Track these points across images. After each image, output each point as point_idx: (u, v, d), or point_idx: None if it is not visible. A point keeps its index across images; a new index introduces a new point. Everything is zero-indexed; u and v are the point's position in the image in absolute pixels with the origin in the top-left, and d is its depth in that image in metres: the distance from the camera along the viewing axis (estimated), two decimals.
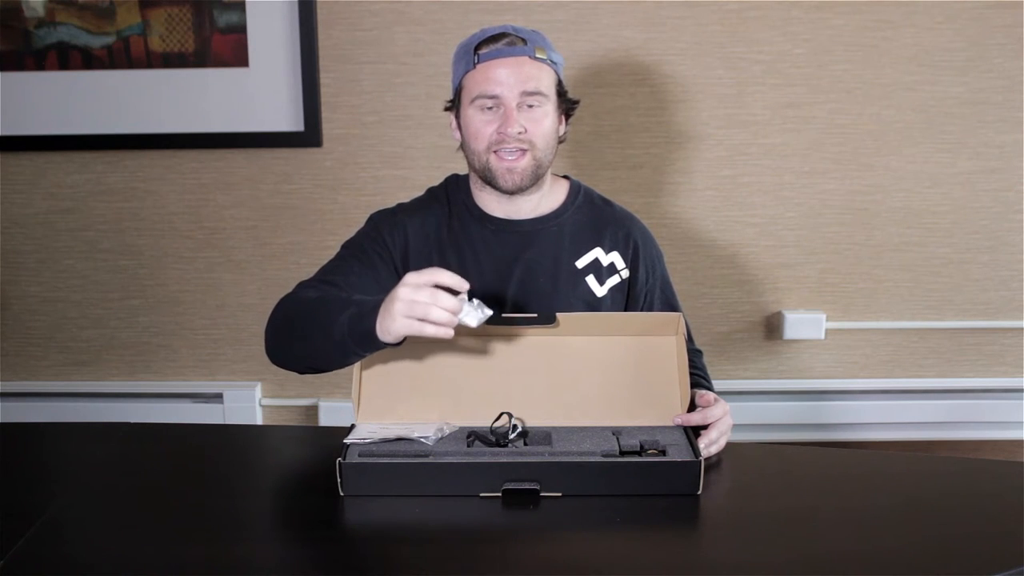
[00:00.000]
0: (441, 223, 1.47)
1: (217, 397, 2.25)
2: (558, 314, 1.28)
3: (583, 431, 1.25)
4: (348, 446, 1.20)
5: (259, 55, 2.07)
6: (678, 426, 1.27)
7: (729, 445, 1.29)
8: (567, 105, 1.45)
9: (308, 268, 1.45)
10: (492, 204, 1.46)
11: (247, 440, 1.47)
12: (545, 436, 1.23)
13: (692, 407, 1.29)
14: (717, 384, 1.50)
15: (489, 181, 1.41)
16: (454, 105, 1.44)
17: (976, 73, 2.09)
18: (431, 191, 1.53)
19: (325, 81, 2.10)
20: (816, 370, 2.26)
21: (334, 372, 1.37)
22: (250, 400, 2.24)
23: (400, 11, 2.06)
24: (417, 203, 1.51)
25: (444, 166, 1.74)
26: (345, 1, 2.06)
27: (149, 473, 1.28)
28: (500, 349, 1.29)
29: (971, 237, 2.19)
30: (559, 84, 1.42)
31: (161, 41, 2.07)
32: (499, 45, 1.37)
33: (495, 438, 1.21)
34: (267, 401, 2.27)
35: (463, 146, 1.45)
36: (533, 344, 1.29)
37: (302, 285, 1.39)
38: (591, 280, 1.47)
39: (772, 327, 2.24)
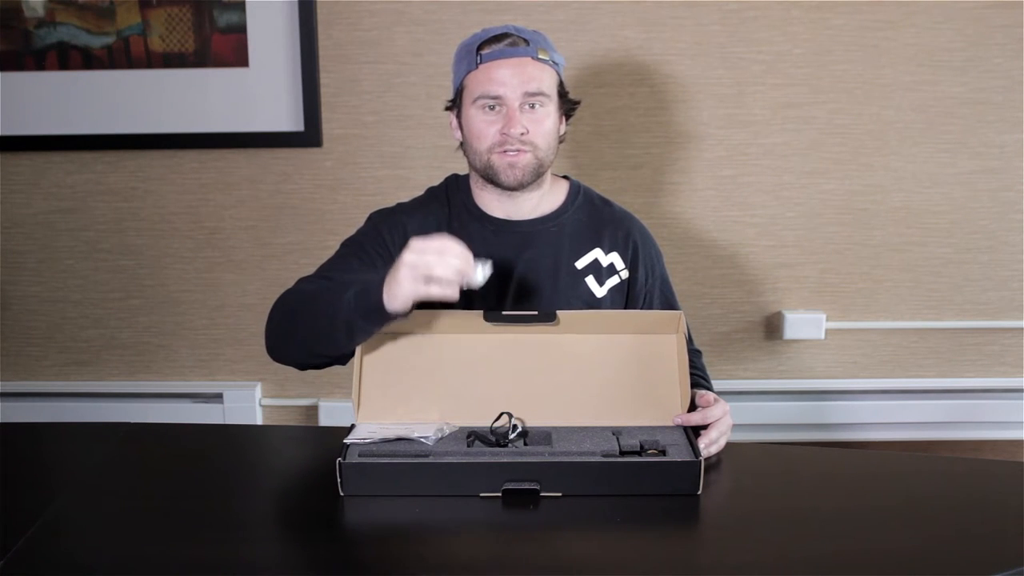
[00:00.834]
0: (441, 223, 1.47)
1: (217, 397, 2.25)
2: (558, 312, 1.28)
3: (583, 431, 1.25)
4: (348, 446, 1.20)
5: (259, 55, 2.07)
6: (678, 426, 1.27)
7: (729, 445, 1.29)
8: (568, 106, 1.45)
9: (308, 268, 1.45)
10: (492, 204, 1.46)
11: (247, 440, 1.47)
12: (545, 436, 1.23)
13: (692, 407, 1.29)
14: (717, 384, 1.50)
15: (491, 179, 1.41)
16: (455, 105, 1.45)
17: (976, 73, 2.09)
18: (431, 191, 1.53)
19: (325, 81, 2.10)
20: (816, 370, 2.26)
21: (334, 372, 1.37)
22: (250, 400, 2.24)
23: (400, 11, 2.06)
24: (417, 203, 1.52)
25: (444, 166, 1.74)
26: (345, 1, 2.06)
27: (149, 473, 1.28)
28: (500, 349, 1.29)
29: (971, 237, 2.19)
30: (560, 85, 1.42)
31: (161, 41, 2.07)
32: (501, 45, 1.37)
33: (495, 438, 1.21)
34: (267, 401, 2.27)
35: (464, 146, 1.45)
36: (533, 344, 1.29)
37: (303, 281, 1.40)
38: (591, 281, 1.47)
39: (772, 327, 2.24)
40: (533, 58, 1.37)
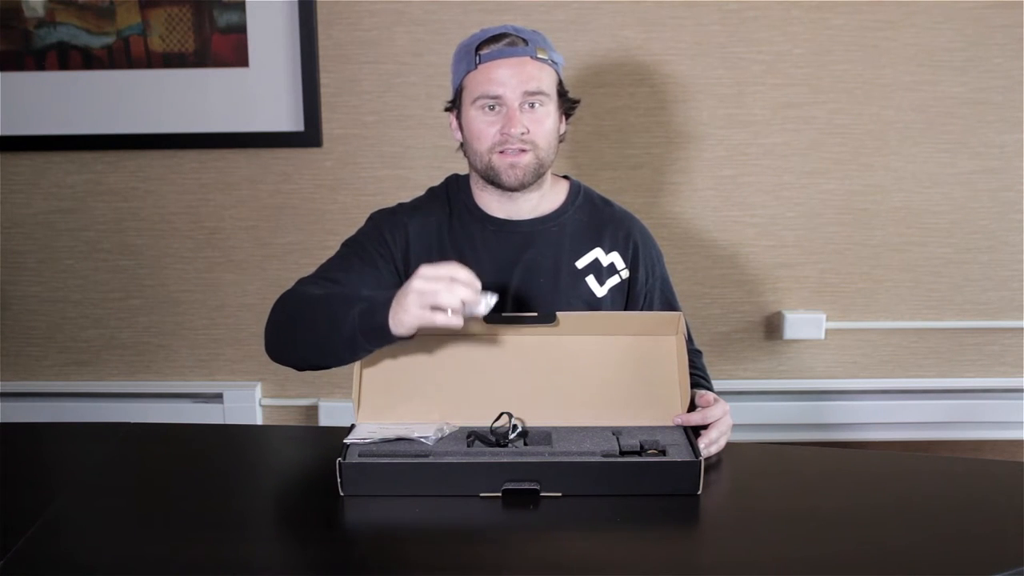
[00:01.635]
0: (442, 223, 1.47)
1: (217, 397, 2.25)
2: (558, 313, 1.28)
3: (583, 431, 1.25)
4: (348, 446, 1.20)
5: (259, 55, 2.07)
6: (678, 426, 1.27)
7: (729, 445, 1.29)
8: (568, 105, 1.45)
9: (308, 268, 1.45)
10: (493, 204, 1.46)
11: (247, 440, 1.47)
12: (545, 436, 1.23)
13: (692, 407, 1.29)
14: (717, 384, 1.50)
15: (492, 179, 1.41)
16: (455, 105, 1.44)
17: (976, 73, 2.09)
18: (432, 191, 1.53)
19: (325, 81, 2.10)
20: (816, 370, 2.26)
21: (334, 372, 1.37)
22: (250, 400, 2.24)
23: (400, 11, 2.06)
24: (418, 203, 1.52)
25: (444, 166, 1.74)
26: (345, 1, 2.06)
27: (149, 473, 1.28)
28: (500, 349, 1.29)
29: (971, 237, 2.19)
30: (560, 84, 1.42)
31: (161, 41, 2.07)
32: (500, 45, 1.37)
33: (495, 438, 1.21)
34: (267, 401, 2.27)
35: (464, 146, 1.45)
36: (533, 344, 1.29)
37: (303, 281, 1.39)
38: (591, 280, 1.47)
39: (772, 327, 2.24)
40: (532, 57, 1.37)
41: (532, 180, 1.41)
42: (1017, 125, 2.11)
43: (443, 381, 1.28)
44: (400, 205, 1.51)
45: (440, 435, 1.23)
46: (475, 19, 2.04)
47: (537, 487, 1.14)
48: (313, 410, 2.29)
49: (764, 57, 2.08)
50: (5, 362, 2.26)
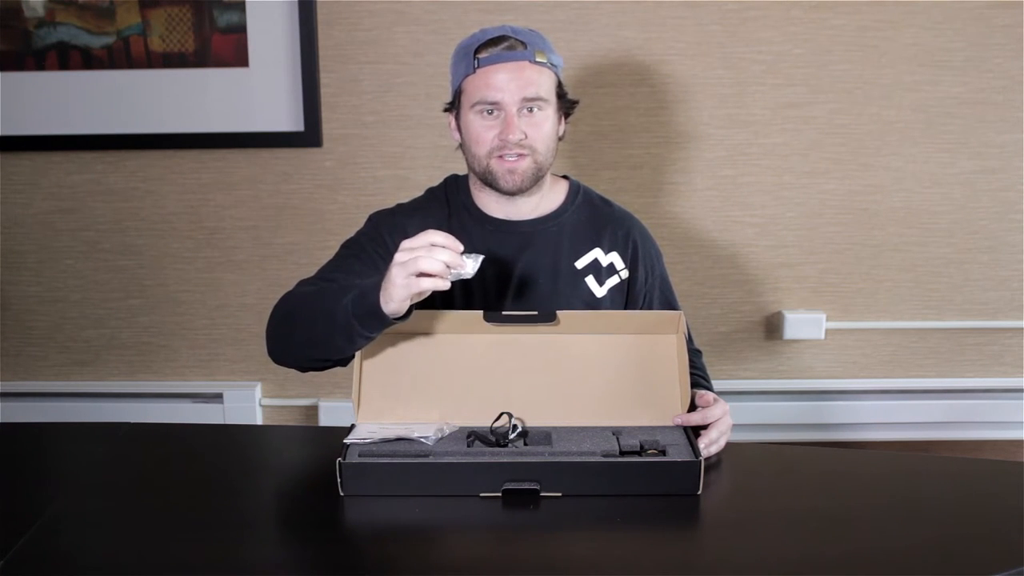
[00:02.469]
0: (440, 224, 1.47)
1: (217, 397, 2.25)
2: (558, 312, 1.28)
3: (583, 431, 1.25)
4: (348, 446, 1.20)
5: (259, 55, 2.07)
6: (678, 426, 1.27)
7: (729, 445, 1.29)
8: (567, 106, 1.45)
9: (308, 268, 1.45)
10: (492, 205, 1.46)
11: (247, 440, 1.47)
12: (545, 436, 1.23)
13: (692, 407, 1.29)
14: (717, 384, 1.50)
15: (490, 183, 1.41)
16: (453, 106, 1.44)
17: (976, 73, 2.09)
18: (430, 191, 1.53)
19: (325, 81, 2.10)
20: (816, 370, 2.26)
21: (334, 372, 1.37)
22: (250, 400, 2.24)
23: (400, 11, 2.06)
24: (416, 204, 1.51)
25: (444, 166, 1.74)
26: (345, 1, 2.06)
27: (149, 473, 1.28)
28: (500, 349, 1.29)
29: (971, 237, 2.19)
30: (559, 86, 1.42)
31: (161, 41, 2.07)
32: (499, 49, 1.36)
33: (495, 438, 1.21)
34: (267, 401, 2.27)
35: (463, 147, 1.45)
36: (533, 344, 1.29)
37: (303, 283, 1.39)
38: (590, 281, 1.47)
39: (772, 327, 2.24)
40: (531, 61, 1.36)
41: (530, 184, 1.41)
42: (1017, 125, 2.12)
43: (443, 381, 1.28)
44: (399, 206, 1.51)
45: (440, 435, 1.22)
46: (475, 19, 2.04)
47: (537, 487, 1.14)
48: (313, 410, 2.29)
49: (764, 57, 2.08)
50: (5, 362, 2.26)
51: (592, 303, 1.46)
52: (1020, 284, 2.21)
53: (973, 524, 1.11)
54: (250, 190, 2.16)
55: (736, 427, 1.32)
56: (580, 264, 1.47)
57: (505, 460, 1.16)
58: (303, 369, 1.37)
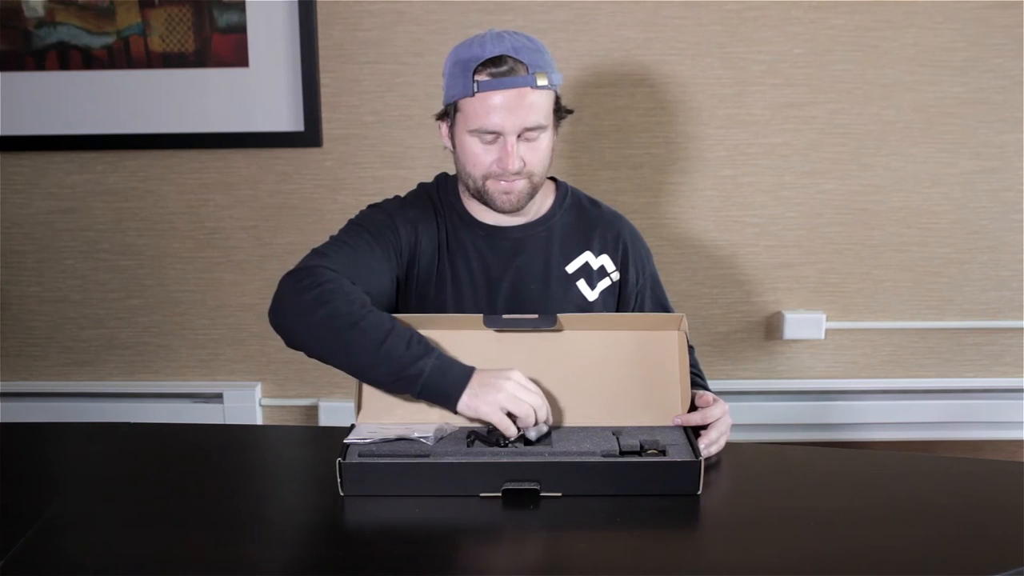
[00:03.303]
0: (440, 228, 1.46)
1: (217, 397, 2.25)
2: (559, 315, 1.28)
3: (583, 431, 1.25)
4: (348, 446, 1.20)
5: (259, 55, 2.07)
6: (678, 426, 1.27)
7: (729, 445, 1.29)
8: (563, 115, 1.42)
9: None
10: (481, 211, 1.45)
11: (247, 440, 1.47)
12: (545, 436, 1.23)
13: (692, 407, 1.29)
14: (717, 384, 1.50)
15: (485, 202, 1.40)
16: (447, 116, 1.41)
17: (976, 73, 2.09)
18: (423, 188, 1.51)
19: (325, 81, 2.10)
20: (816, 370, 2.26)
21: (334, 371, 1.36)
22: (250, 400, 2.24)
23: (400, 11, 2.06)
24: (411, 200, 1.49)
25: (444, 166, 1.73)
26: (345, 1, 2.06)
27: (149, 473, 1.28)
28: (500, 349, 1.29)
29: (971, 237, 2.19)
30: (557, 101, 1.39)
31: (161, 41, 2.07)
32: (499, 72, 1.31)
33: (495, 438, 1.21)
34: (267, 401, 2.27)
35: (456, 161, 1.42)
36: (533, 344, 1.29)
37: (322, 265, 1.30)
38: (582, 285, 1.46)
39: (772, 327, 2.24)
40: (532, 87, 1.32)
41: (526, 203, 1.40)
42: (1017, 125, 2.11)
43: None
44: (404, 201, 1.48)
45: (440, 435, 1.22)
46: (475, 19, 2.03)
47: (537, 487, 1.14)
48: (313, 410, 2.29)
49: (764, 57, 2.08)
50: (5, 362, 2.26)
51: (584, 307, 1.45)
52: (1020, 284, 2.21)
53: (973, 524, 1.11)
54: (250, 190, 2.16)
55: (736, 427, 1.32)
56: (571, 268, 1.46)
57: (505, 460, 1.16)
58: (309, 356, 1.29)
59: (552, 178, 1.52)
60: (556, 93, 1.38)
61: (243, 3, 2.04)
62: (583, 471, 1.15)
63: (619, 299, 1.49)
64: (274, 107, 2.10)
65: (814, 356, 2.26)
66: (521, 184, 1.37)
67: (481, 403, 1.18)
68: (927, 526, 1.11)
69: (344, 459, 1.16)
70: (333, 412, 2.25)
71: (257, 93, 2.09)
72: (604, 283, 1.47)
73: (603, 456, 1.17)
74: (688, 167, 2.15)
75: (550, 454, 1.18)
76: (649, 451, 1.19)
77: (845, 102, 2.11)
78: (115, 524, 1.12)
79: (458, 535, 1.10)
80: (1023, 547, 1.03)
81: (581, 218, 1.49)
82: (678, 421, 1.27)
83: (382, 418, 1.27)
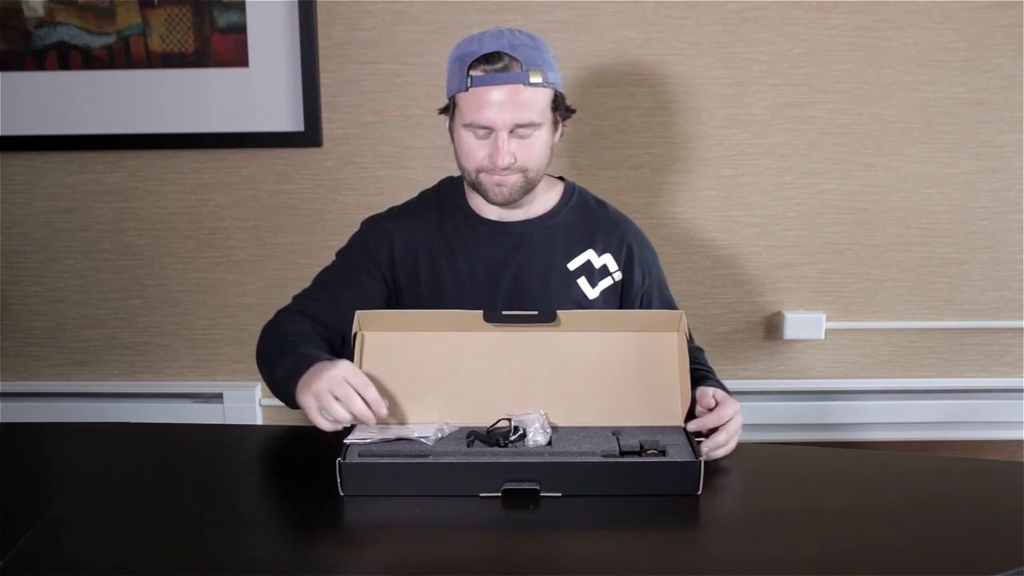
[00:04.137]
0: (431, 228, 1.47)
1: (217, 397, 2.24)
2: (559, 312, 1.28)
3: (583, 431, 1.25)
4: (348, 446, 1.20)
5: (259, 55, 2.07)
6: (678, 427, 1.27)
7: None
8: (565, 115, 1.43)
9: (308, 268, 1.46)
10: (485, 206, 1.46)
11: (247, 440, 1.47)
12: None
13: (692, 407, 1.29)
14: None
15: (480, 193, 1.42)
16: (448, 111, 1.43)
17: (976, 73, 2.09)
18: (423, 195, 1.54)
19: (325, 81, 2.10)
20: (816, 370, 2.26)
21: None
22: (250, 400, 2.24)
23: (400, 11, 2.06)
24: (408, 210, 1.53)
25: (444, 166, 1.74)
26: (345, 1, 2.06)
27: (149, 473, 1.28)
28: (500, 349, 1.29)
29: (971, 237, 2.19)
30: (555, 98, 1.39)
31: (161, 41, 2.06)
32: (493, 68, 1.32)
33: (495, 438, 1.21)
34: (267, 401, 2.27)
35: (454, 153, 1.44)
36: (533, 344, 1.29)
37: (285, 310, 1.46)
38: (583, 282, 1.46)
39: (772, 327, 2.24)
40: (525, 84, 1.32)
41: (520, 197, 1.41)
42: (1017, 125, 2.11)
43: (443, 381, 1.28)
44: (390, 210, 1.53)
45: (440, 435, 1.23)
46: (475, 19, 2.03)
47: (537, 487, 1.14)
48: None
49: (764, 57, 2.08)
50: (5, 362, 2.26)
51: (584, 305, 1.46)
52: (1020, 284, 2.21)
53: (973, 524, 1.11)
54: (250, 190, 2.16)
55: None
56: (572, 265, 1.47)
57: (505, 460, 1.16)
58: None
59: (561, 177, 1.53)
60: (556, 92, 1.39)
61: (243, 3, 2.04)
62: (583, 471, 1.15)
63: (622, 300, 1.49)
64: (274, 107, 2.10)
65: (814, 356, 2.26)
66: (514, 178, 1.38)
67: (302, 397, 1.23)
68: (927, 526, 1.11)
69: (344, 459, 1.16)
70: None
71: (257, 93, 2.09)
72: (605, 282, 1.48)
73: (603, 456, 1.17)
74: (688, 167, 2.15)
75: (550, 454, 1.18)
76: (649, 451, 1.19)
77: (845, 102, 2.11)
78: (115, 524, 1.12)
79: (458, 535, 1.10)
80: (1023, 547, 1.03)
81: (586, 217, 1.50)
82: (693, 427, 1.26)
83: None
